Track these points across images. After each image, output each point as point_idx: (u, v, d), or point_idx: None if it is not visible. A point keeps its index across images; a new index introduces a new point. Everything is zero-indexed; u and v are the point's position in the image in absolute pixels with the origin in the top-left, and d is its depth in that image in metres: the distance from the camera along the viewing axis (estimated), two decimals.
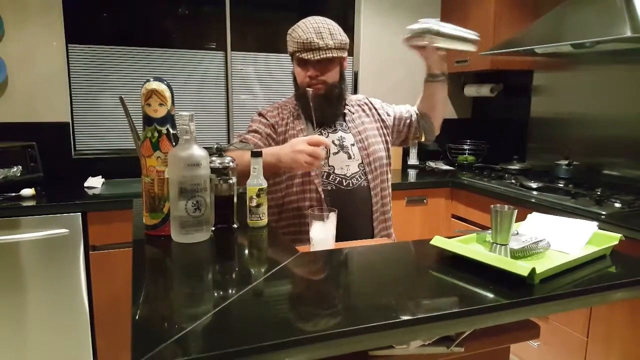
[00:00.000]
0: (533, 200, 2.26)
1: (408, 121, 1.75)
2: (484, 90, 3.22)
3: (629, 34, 1.91)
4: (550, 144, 2.92)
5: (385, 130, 1.71)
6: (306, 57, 1.47)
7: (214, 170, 1.27)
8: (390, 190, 1.70)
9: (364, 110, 1.71)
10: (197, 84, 2.93)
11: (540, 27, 2.45)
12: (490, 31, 2.85)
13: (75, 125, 2.71)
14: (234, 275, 1.04)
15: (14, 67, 2.49)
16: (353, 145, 1.60)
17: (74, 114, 2.70)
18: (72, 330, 2.21)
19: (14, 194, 2.19)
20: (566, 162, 2.69)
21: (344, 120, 1.65)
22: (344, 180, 1.57)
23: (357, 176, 1.59)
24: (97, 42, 2.69)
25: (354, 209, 1.56)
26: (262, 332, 0.75)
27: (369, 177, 1.60)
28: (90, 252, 2.21)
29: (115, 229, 2.22)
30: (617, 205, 2.08)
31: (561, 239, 1.15)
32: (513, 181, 2.59)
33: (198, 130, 2.38)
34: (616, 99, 2.51)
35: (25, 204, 2.11)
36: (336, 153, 1.58)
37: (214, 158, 1.30)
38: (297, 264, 1.08)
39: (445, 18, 3.30)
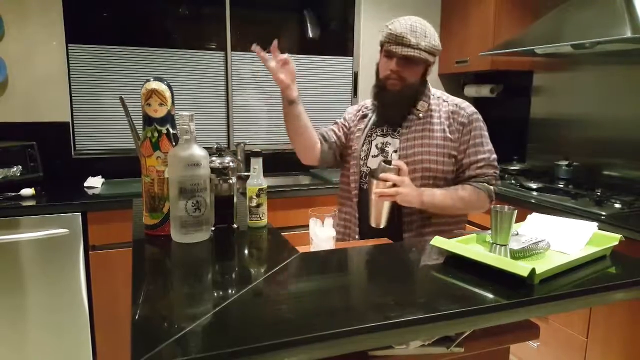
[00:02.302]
0: (533, 201, 2.26)
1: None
2: (484, 91, 3.22)
3: (629, 34, 1.91)
4: (550, 144, 2.91)
5: (450, 144, 1.55)
6: (394, 50, 1.47)
7: (213, 170, 1.27)
8: None
9: (440, 115, 1.57)
10: (197, 84, 2.93)
11: (540, 27, 2.45)
12: (490, 31, 2.85)
13: (75, 125, 2.71)
14: (233, 275, 1.04)
15: (14, 67, 2.49)
16: (395, 152, 1.58)
17: (73, 114, 2.70)
18: (71, 330, 2.21)
19: (13, 194, 2.19)
20: (566, 162, 2.69)
21: (404, 125, 1.58)
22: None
23: None
24: (97, 41, 2.69)
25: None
26: (262, 332, 0.75)
27: None
28: (90, 252, 2.21)
29: (115, 229, 2.21)
30: (617, 205, 2.08)
31: (561, 239, 1.15)
32: (513, 182, 2.59)
33: (198, 130, 2.39)
34: (616, 99, 2.51)
35: (25, 203, 2.11)
36: (375, 156, 1.60)
37: (213, 158, 1.30)
38: (297, 264, 1.08)
39: (445, 18, 3.30)
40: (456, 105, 1.59)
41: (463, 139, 1.55)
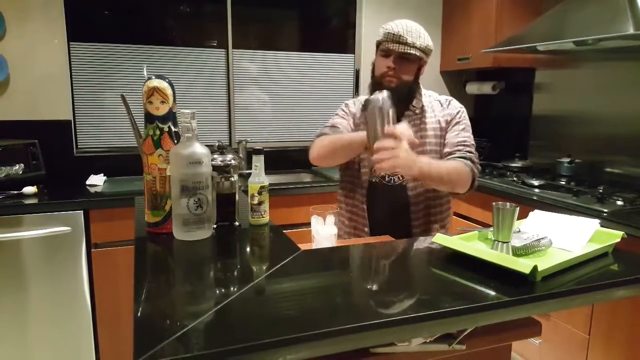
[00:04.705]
0: (535, 198, 2.26)
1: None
2: (486, 88, 3.21)
3: (631, 31, 1.91)
4: (552, 141, 2.91)
5: (443, 133, 1.65)
6: (391, 47, 1.54)
7: (215, 168, 1.27)
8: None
9: (433, 109, 1.66)
10: (199, 82, 2.92)
11: (542, 24, 2.44)
12: (492, 29, 2.84)
13: (77, 123, 2.71)
14: (235, 273, 1.04)
15: (16, 65, 2.49)
16: None
17: (75, 112, 2.70)
18: (74, 328, 2.22)
19: (16, 192, 2.20)
20: (568, 159, 2.68)
21: (402, 121, 1.61)
22: (386, 176, 1.65)
23: (399, 174, 1.63)
24: (99, 39, 2.69)
25: (390, 204, 1.64)
26: (264, 330, 0.75)
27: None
28: (92, 249, 2.21)
29: (117, 227, 2.22)
30: (619, 202, 2.08)
31: (563, 236, 1.15)
32: (515, 179, 2.59)
33: (200, 128, 2.39)
34: (618, 96, 2.50)
35: (27, 201, 2.12)
36: None
37: (215, 156, 1.30)
38: (299, 262, 1.09)
39: (447, 15, 3.30)
40: (446, 100, 1.70)
41: (450, 124, 1.65)
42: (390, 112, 1.40)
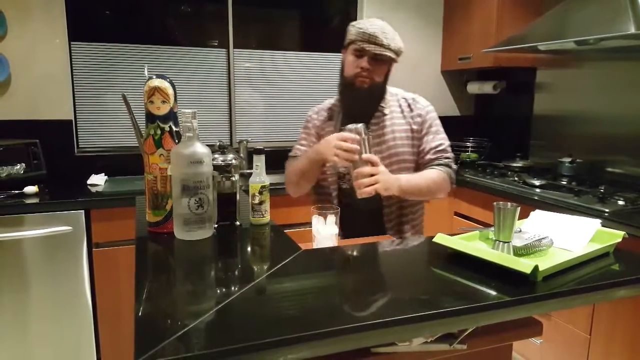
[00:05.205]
0: (536, 198, 2.25)
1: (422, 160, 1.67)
2: (487, 88, 3.21)
3: (632, 30, 1.90)
4: (553, 141, 2.91)
5: (415, 135, 1.66)
6: (367, 48, 1.52)
7: (216, 167, 1.27)
8: None
9: (402, 110, 1.67)
10: (200, 82, 2.93)
11: (543, 24, 2.44)
12: (493, 28, 2.84)
13: (78, 122, 2.71)
14: (236, 273, 1.04)
15: (17, 65, 2.50)
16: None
17: (76, 112, 2.70)
18: (75, 327, 2.22)
19: (17, 192, 2.20)
20: (569, 159, 2.68)
21: (373, 122, 1.65)
22: None
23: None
24: (100, 39, 2.69)
25: (365, 207, 1.61)
26: (265, 329, 0.75)
27: None
28: (94, 249, 2.21)
29: (118, 227, 2.22)
30: (621, 202, 2.07)
31: (564, 236, 1.15)
32: (516, 179, 2.59)
33: (200, 128, 2.39)
34: (620, 96, 2.50)
35: (28, 201, 2.12)
36: None
37: (216, 155, 1.30)
38: (300, 261, 1.09)
39: (448, 15, 3.30)
40: (413, 99, 1.69)
41: (423, 128, 1.65)
42: (366, 139, 1.45)
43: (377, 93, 1.63)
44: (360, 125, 1.46)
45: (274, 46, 3.06)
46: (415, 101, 1.68)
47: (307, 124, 1.76)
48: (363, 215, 1.63)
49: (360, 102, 1.62)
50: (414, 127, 1.64)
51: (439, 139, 1.65)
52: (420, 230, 1.75)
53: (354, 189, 1.49)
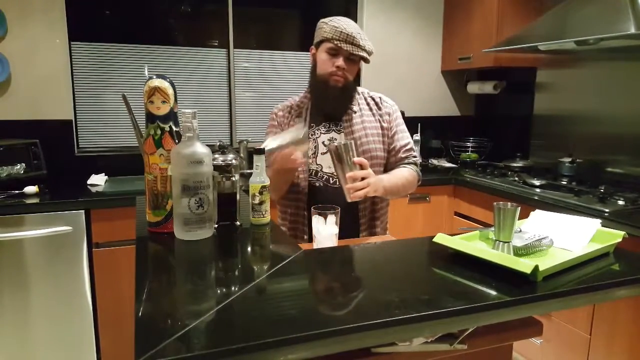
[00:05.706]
0: (536, 198, 2.25)
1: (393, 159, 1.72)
2: (487, 88, 3.21)
3: (632, 30, 1.90)
4: (553, 141, 2.91)
5: (385, 132, 1.71)
6: (343, 47, 1.55)
7: (216, 167, 1.27)
8: None
9: (370, 108, 1.72)
10: (200, 82, 2.93)
11: (543, 24, 2.44)
12: (493, 28, 2.84)
13: (78, 122, 2.71)
14: (236, 273, 1.04)
15: (17, 65, 2.50)
16: None
17: (77, 112, 2.70)
18: (75, 327, 2.22)
19: (17, 192, 2.20)
20: (569, 159, 2.68)
21: (345, 120, 1.67)
22: (330, 178, 1.64)
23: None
24: (100, 39, 2.69)
25: (339, 206, 1.59)
26: (265, 329, 0.75)
27: None
28: (94, 249, 2.21)
29: (118, 227, 2.22)
30: (621, 202, 2.07)
31: (564, 236, 1.15)
32: (516, 178, 2.59)
33: (201, 128, 2.39)
34: (620, 96, 2.50)
35: (28, 201, 2.12)
36: (324, 153, 1.64)
37: (216, 155, 1.30)
38: (300, 261, 1.09)
39: (448, 15, 3.30)
40: (380, 98, 1.75)
41: (392, 126, 1.71)
42: (352, 145, 1.47)
43: (350, 92, 1.66)
44: (340, 141, 1.54)
45: (274, 46, 3.06)
46: (382, 100, 1.74)
47: (272, 122, 1.76)
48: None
49: (333, 100, 1.64)
50: (384, 124, 1.70)
51: (406, 137, 1.73)
52: (386, 226, 1.78)
53: (327, 186, 1.52)
